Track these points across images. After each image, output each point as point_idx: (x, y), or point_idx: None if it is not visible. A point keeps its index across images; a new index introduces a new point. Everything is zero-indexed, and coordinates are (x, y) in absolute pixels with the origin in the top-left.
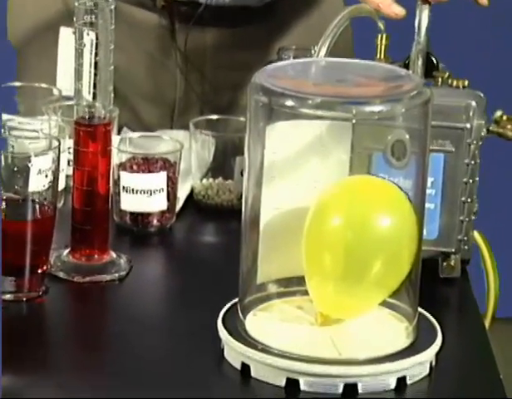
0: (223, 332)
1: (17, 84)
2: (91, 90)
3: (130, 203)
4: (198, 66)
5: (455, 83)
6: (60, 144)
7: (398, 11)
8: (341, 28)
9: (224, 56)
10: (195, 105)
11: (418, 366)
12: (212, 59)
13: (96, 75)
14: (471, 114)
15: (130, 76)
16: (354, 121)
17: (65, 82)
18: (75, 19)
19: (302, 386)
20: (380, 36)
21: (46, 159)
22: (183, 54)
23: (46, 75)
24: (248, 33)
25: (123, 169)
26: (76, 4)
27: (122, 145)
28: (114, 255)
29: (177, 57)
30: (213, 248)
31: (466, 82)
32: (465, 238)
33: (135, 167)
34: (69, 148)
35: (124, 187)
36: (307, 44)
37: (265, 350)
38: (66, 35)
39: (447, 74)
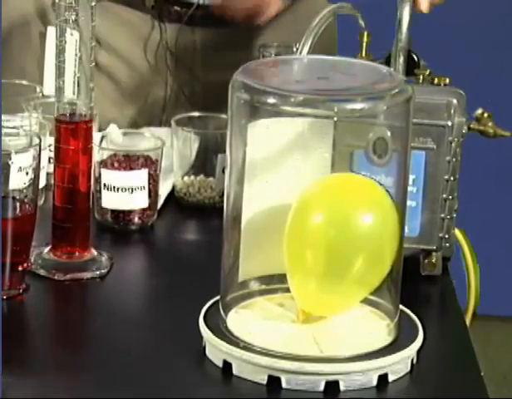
0: (204, 330)
1: None
2: (75, 88)
3: (111, 200)
4: (188, 65)
5: (436, 81)
6: (41, 141)
7: None
8: (323, 26)
9: (214, 56)
10: (185, 104)
11: (399, 364)
12: (202, 59)
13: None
14: (452, 111)
15: (120, 76)
16: (336, 119)
17: (52, 82)
18: (55, 16)
19: (284, 384)
20: (361, 33)
21: (26, 156)
22: (173, 54)
23: (27, 70)
24: (236, 33)
25: (104, 166)
26: (57, 1)
27: (103, 143)
28: (95, 253)
29: (167, 57)
30: (194, 245)
31: (447, 80)
32: (447, 235)
33: (116, 164)
34: (50, 145)
35: (105, 184)
36: (294, 42)
37: (247, 347)
38: (53, 34)
39: (428, 71)
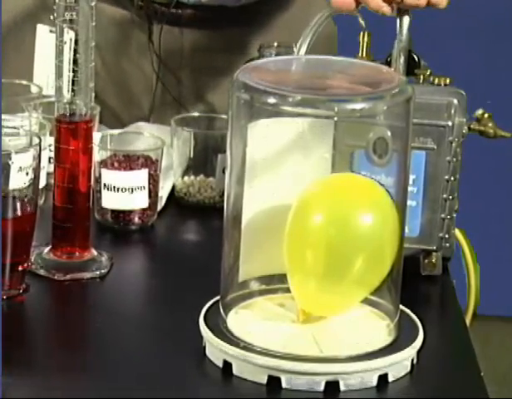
0: (204, 330)
1: None
2: (70, 87)
3: (111, 200)
4: (174, 68)
5: (436, 81)
6: (41, 141)
7: None
8: (321, 26)
9: (202, 58)
10: (172, 107)
11: (399, 364)
12: (189, 61)
13: (76, 72)
14: (453, 111)
15: (106, 77)
16: (336, 119)
17: (41, 81)
18: (55, 16)
19: (284, 384)
20: (362, 33)
21: (26, 156)
22: (159, 56)
23: (23, 70)
24: (226, 35)
25: (104, 166)
26: (57, 0)
27: (103, 142)
28: (95, 253)
29: (153, 59)
30: (194, 245)
31: (448, 80)
32: (447, 235)
33: (116, 164)
34: (50, 145)
35: (105, 184)
36: (287, 43)
37: (247, 348)
38: (42, 33)
39: (429, 71)
